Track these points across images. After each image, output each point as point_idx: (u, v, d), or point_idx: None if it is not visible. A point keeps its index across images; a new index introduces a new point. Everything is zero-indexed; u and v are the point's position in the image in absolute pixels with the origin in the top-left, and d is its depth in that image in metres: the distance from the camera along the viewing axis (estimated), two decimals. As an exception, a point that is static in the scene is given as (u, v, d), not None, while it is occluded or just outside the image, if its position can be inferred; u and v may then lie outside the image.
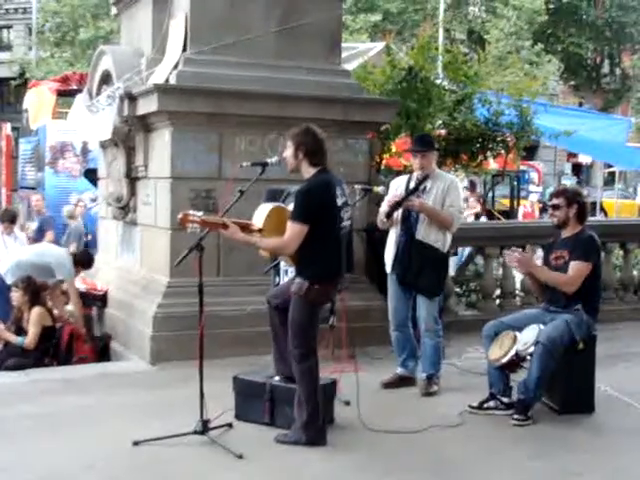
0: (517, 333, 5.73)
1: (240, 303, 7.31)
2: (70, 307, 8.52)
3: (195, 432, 5.03)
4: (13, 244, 10.31)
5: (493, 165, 13.13)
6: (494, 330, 5.89)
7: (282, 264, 6.32)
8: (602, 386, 6.11)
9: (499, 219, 16.81)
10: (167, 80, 7.53)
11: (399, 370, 6.49)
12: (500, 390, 5.83)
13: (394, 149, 9.80)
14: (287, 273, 6.48)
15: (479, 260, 9.57)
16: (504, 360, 5.67)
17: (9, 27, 36.46)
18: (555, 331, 5.64)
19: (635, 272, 10.32)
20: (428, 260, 6.21)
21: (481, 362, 6.28)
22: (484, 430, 5.52)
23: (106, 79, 8.52)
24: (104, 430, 5.35)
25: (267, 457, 4.95)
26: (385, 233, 6.52)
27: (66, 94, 15.75)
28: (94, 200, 12.84)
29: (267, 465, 4.83)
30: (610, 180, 26.96)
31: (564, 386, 5.82)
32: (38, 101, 16.52)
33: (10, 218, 10.62)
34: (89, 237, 13.10)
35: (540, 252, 8.31)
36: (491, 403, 5.82)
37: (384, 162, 9.60)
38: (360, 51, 11.69)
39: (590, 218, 6.37)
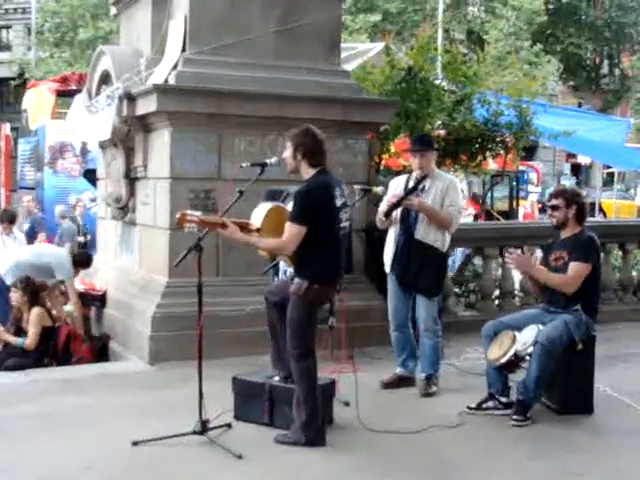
0: (516, 333, 5.72)
1: (239, 303, 7.31)
2: (69, 307, 8.52)
3: (194, 432, 5.03)
4: (12, 244, 10.31)
5: (492, 165, 13.14)
6: (493, 330, 5.89)
7: (281, 264, 6.32)
8: (601, 386, 6.12)
9: (498, 219, 16.84)
10: (166, 80, 7.53)
11: (398, 370, 6.49)
12: (498, 390, 5.82)
13: (393, 149, 9.81)
14: (286, 273, 6.47)
15: (477, 261, 9.57)
16: (503, 360, 5.67)
17: (8, 27, 36.46)
18: (554, 331, 5.64)
19: (634, 273, 10.32)
20: (427, 260, 6.21)
21: (480, 363, 6.28)
22: (483, 430, 5.52)
23: (105, 79, 8.52)
24: (103, 430, 5.35)
25: (266, 457, 4.94)
26: (384, 233, 6.52)
27: (65, 94, 15.75)
28: (93, 200, 12.86)
29: (266, 465, 4.83)
30: (609, 181, 26.98)
31: (563, 386, 5.82)
32: (37, 101, 16.53)
33: (9, 218, 10.62)
34: (88, 237, 13.13)
35: (539, 253, 8.32)
36: (490, 403, 5.82)
37: (383, 162, 9.60)
38: (359, 51, 11.69)
39: (589, 219, 6.37)
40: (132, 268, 8.35)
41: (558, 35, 33.57)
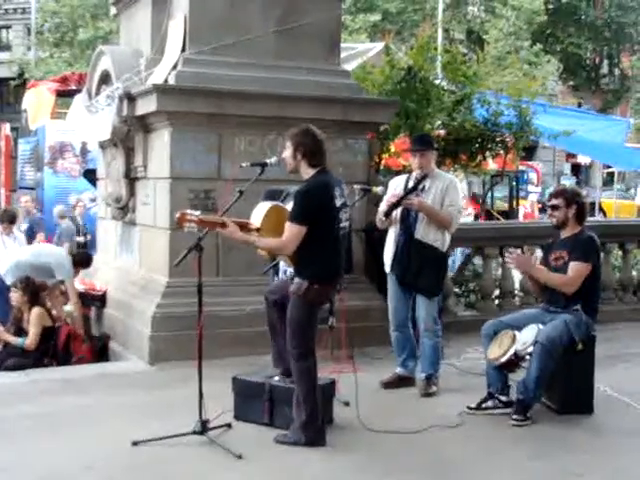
0: (516, 332, 5.73)
1: (239, 303, 7.31)
2: (69, 307, 8.52)
3: (194, 432, 5.03)
4: (12, 244, 10.31)
5: (492, 165, 13.14)
6: (493, 329, 5.89)
7: (281, 264, 6.32)
8: (601, 386, 6.12)
9: (498, 219, 16.84)
10: (166, 80, 7.53)
11: (398, 370, 6.49)
12: (498, 389, 5.82)
13: (393, 149, 9.81)
14: (286, 273, 6.47)
15: (477, 260, 9.57)
16: (503, 359, 5.67)
17: (8, 27, 36.46)
18: (554, 331, 5.64)
19: (634, 272, 10.32)
20: (427, 260, 6.21)
21: (480, 362, 6.28)
22: (483, 430, 5.52)
23: (105, 79, 8.52)
24: (103, 430, 5.35)
25: (266, 457, 4.94)
26: (384, 233, 6.52)
27: (65, 94, 15.74)
28: (93, 200, 12.86)
29: (266, 465, 4.83)
30: (609, 180, 26.98)
31: (563, 386, 5.82)
32: (37, 101, 16.53)
33: (9, 218, 10.61)
34: (88, 237, 13.13)
35: (539, 252, 8.32)
36: (489, 403, 5.82)
37: (383, 162, 9.60)
38: (359, 51, 11.68)
39: (589, 218, 6.37)
40: (132, 268, 8.35)
41: (558, 35, 33.57)
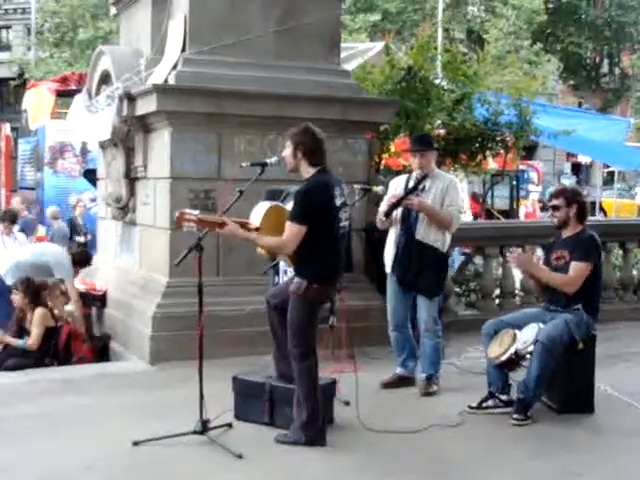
0: (517, 331, 5.73)
1: (239, 303, 7.30)
2: (70, 307, 8.52)
3: (194, 432, 5.03)
4: (12, 244, 10.31)
5: (492, 165, 13.13)
6: (494, 328, 5.89)
7: (281, 264, 6.32)
8: (602, 386, 6.12)
9: (499, 219, 16.84)
10: (166, 80, 7.53)
11: (399, 370, 6.48)
12: (499, 388, 5.82)
13: (393, 149, 9.80)
14: (286, 273, 6.47)
15: (478, 260, 9.57)
16: (503, 358, 5.67)
17: (8, 27, 36.45)
18: (555, 330, 5.64)
19: (635, 272, 10.32)
20: (428, 260, 6.20)
21: (481, 362, 6.28)
22: (484, 430, 5.52)
23: (105, 79, 8.51)
24: (103, 430, 5.35)
25: (267, 457, 4.94)
26: (384, 233, 6.51)
27: (65, 94, 15.75)
28: (93, 200, 12.87)
29: (267, 465, 4.83)
30: (609, 180, 26.97)
31: (564, 386, 5.82)
32: (37, 101, 16.54)
33: (10, 218, 10.62)
34: (88, 237, 13.14)
35: (540, 252, 8.32)
36: (490, 402, 5.82)
37: (383, 162, 9.60)
38: (359, 51, 11.68)
39: (589, 218, 6.37)
40: (132, 268, 8.35)
41: (558, 34, 33.54)
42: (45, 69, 25.93)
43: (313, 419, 5.03)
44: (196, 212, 5.02)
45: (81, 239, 13.37)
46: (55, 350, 7.85)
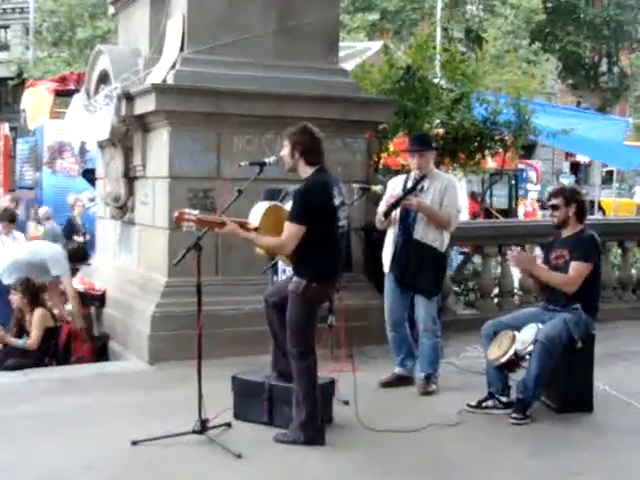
0: (516, 332, 5.72)
1: (238, 302, 7.31)
2: (69, 306, 8.51)
3: (194, 432, 5.03)
4: (11, 244, 10.29)
5: (491, 164, 13.13)
6: (493, 329, 5.89)
7: (280, 263, 6.32)
8: (601, 385, 6.12)
9: (497, 218, 16.83)
10: (165, 80, 7.53)
11: (397, 370, 6.49)
12: (499, 389, 5.82)
13: (392, 148, 9.80)
14: (285, 272, 6.47)
15: (476, 259, 9.57)
16: (503, 360, 5.67)
17: (6, 27, 36.37)
18: (554, 330, 5.64)
19: (633, 271, 10.31)
20: (426, 260, 6.20)
21: (480, 361, 6.29)
22: (483, 429, 5.52)
23: (104, 79, 8.51)
24: (103, 430, 5.35)
25: (266, 456, 4.95)
26: (383, 233, 6.51)
27: (64, 94, 15.74)
28: (92, 200, 12.85)
29: (266, 464, 4.83)
30: (608, 179, 26.97)
31: (563, 385, 5.82)
32: (36, 101, 16.52)
33: (9, 218, 10.60)
34: (87, 237, 13.12)
35: (538, 251, 8.32)
36: (489, 402, 5.82)
37: (382, 161, 9.59)
38: (358, 50, 11.68)
39: (588, 217, 6.37)
40: (131, 267, 8.35)
41: (557, 33, 33.55)
42: (43, 69, 25.90)
43: (312, 418, 5.03)
44: (195, 212, 5.02)
45: (80, 239, 13.34)
46: (55, 350, 7.85)
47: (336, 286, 5.32)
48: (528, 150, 26.98)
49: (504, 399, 5.79)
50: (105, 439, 5.16)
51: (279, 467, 4.81)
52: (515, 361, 5.70)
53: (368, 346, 7.15)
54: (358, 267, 7.87)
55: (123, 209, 8.46)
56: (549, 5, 31.25)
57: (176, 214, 4.97)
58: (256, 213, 5.18)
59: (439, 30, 24.71)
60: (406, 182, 6.38)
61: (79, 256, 8.90)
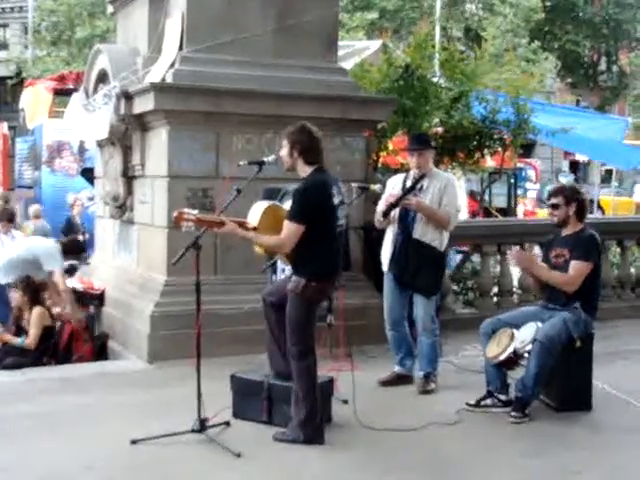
0: (515, 331, 5.73)
1: (237, 302, 7.30)
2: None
3: (193, 431, 5.03)
4: (10, 243, 10.28)
5: (490, 163, 13.13)
6: (491, 328, 5.89)
7: (279, 262, 6.32)
8: (600, 384, 6.12)
9: (496, 217, 16.84)
10: (163, 79, 7.52)
11: (396, 368, 6.49)
12: (497, 388, 5.83)
13: (391, 147, 9.80)
14: (284, 271, 6.47)
15: (475, 258, 9.57)
16: (502, 357, 5.67)
17: (5, 26, 36.43)
18: (553, 329, 5.64)
19: (632, 269, 10.32)
20: (425, 259, 6.20)
21: (478, 360, 6.28)
22: (482, 427, 5.53)
23: (102, 78, 8.50)
24: (103, 429, 5.34)
25: (265, 455, 4.95)
26: (382, 232, 6.51)
27: (63, 93, 15.73)
28: (91, 199, 12.85)
29: (265, 464, 4.83)
30: (607, 178, 26.98)
31: (562, 384, 5.82)
32: (34, 100, 16.51)
33: (8, 217, 10.59)
34: (86, 236, 13.12)
35: (537, 250, 8.33)
36: (488, 401, 5.82)
37: (381, 160, 9.59)
38: (357, 49, 11.68)
39: (588, 215, 6.36)
40: (130, 267, 8.34)
41: (556, 32, 33.58)
42: (42, 68, 25.89)
43: (311, 417, 5.04)
44: (195, 212, 5.02)
45: (79, 238, 13.35)
46: (55, 349, 7.84)
47: (335, 285, 5.32)
48: (527, 149, 26.98)
49: (503, 397, 5.80)
50: (105, 438, 5.15)
51: (278, 466, 4.81)
52: (514, 359, 5.70)
53: (367, 345, 7.16)
54: (357, 266, 7.87)
55: (122, 208, 8.46)
56: (548, 4, 31.24)
57: (175, 214, 4.97)
58: (255, 212, 5.18)
59: (438, 29, 24.72)
60: (405, 181, 6.38)
61: (73, 249, 8.87)
